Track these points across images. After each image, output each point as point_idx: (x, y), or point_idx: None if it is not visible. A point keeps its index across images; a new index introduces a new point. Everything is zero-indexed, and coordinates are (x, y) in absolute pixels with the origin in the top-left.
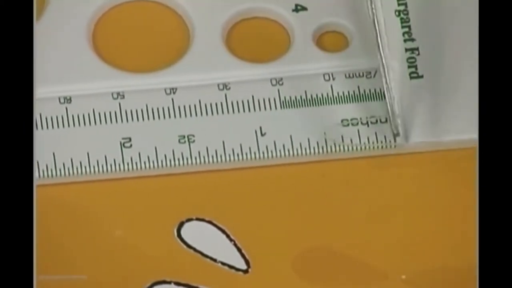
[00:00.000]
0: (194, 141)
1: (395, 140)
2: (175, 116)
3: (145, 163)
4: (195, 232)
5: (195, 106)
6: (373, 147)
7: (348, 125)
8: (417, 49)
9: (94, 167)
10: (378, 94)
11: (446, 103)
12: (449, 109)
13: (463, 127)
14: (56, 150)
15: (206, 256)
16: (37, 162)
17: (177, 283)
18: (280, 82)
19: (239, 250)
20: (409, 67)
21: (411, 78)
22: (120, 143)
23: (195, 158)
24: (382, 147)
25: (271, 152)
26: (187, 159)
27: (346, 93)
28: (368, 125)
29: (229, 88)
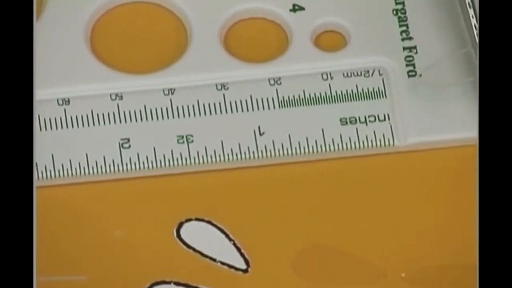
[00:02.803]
0: (192, 141)
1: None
2: (173, 116)
3: (143, 163)
4: (194, 232)
5: (193, 106)
6: (372, 146)
7: (346, 123)
8: (415, 47)
9: (93, 168)
10: (376, 92)
11: (444, 101)
12: (447, 108)
13: (461, 125)
14: (55, 151)
15: (206, 256)
16: (36, 164)
17: (176, 283)
18: (278, 82)
19: (238, 249)
20: (407, 65)
21: (409, 76)
22: (119, 143)
23: (194, 158)
24: (380, 145)
25: (270, 151)
26: (185, 159)
27: (344, 92)
28: (366, 124)
29: (227, 88)
